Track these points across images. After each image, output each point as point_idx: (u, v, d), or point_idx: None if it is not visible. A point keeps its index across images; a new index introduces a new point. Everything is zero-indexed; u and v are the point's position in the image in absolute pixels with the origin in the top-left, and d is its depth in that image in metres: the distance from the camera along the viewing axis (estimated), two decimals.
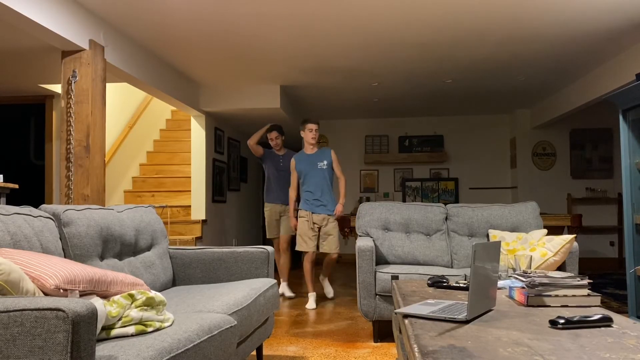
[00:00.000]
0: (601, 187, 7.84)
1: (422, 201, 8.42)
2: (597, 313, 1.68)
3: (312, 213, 4.83)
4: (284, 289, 5.31)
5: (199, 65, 5.34)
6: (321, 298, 5.20)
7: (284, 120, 7.10)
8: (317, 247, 4.89)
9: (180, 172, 7.20)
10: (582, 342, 1.41)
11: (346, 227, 5.71)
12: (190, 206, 6.46)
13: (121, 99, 6.87)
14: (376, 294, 3.48)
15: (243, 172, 8.22)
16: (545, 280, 1.93)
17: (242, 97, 6.27)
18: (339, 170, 4.92)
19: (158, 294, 1.85)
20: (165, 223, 6.12)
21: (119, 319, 1.70)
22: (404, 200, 8.41)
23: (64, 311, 1.26)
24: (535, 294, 1.92)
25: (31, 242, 1.94)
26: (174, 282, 3.06)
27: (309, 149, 4.93)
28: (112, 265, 2.41)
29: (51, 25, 3.37)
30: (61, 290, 1.57)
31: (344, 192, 4.87)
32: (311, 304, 4.74)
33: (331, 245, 4.83)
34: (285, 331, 3.86)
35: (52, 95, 6.05)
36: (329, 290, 5.16)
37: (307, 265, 4.91)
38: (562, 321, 1.57)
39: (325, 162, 4.87)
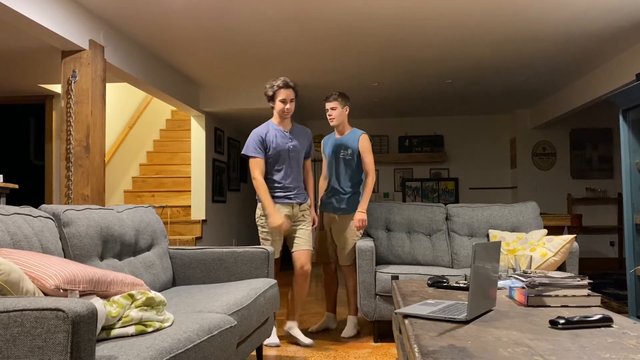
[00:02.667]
0: (601, 187, 7.83)
1: (422, 201, 8.41)
2: (597, 313, 1.68)
3: (325, 213, 3.81)
4: (294, 331, 3.51)
5: (199, 65, 5.34)
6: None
7: None
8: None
9: (180, 172, 7.20)
10: (582, 342, 1.41)
11: None
12: (190, 206, 6.46)
13: (121, 99, 6.87)
14: (376, 294, 3.48)
15: (243, 172, 8.22)
16: (545, 280, 1.93)
17: (242, 97, 6.27)
18: (367, 161, 3.66)
19: (158, 294, 1.85)
20: (165, 223, 6.12)
21: (119, 319, 1.70)
22: (404, 200, 8.41)
23: (64, 311, 1.26)
24: (535, 294, 1.92)
25: (31, 242, 1.94)
26: (174, 282, 3.05)
27: (337, 131, 3.79)
28: (112, 265, 2.41)
29: (51, 25, 3.37)
30: (61, 291, 1.57)
31: (368, 193, 3.60)
32: (321, 324, 3.82)
33: (341, 256, 3.70)
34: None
35: (52, 95, 6.05)
36: (349, 329, 3.71)
37: (325, 278, 3.91)
38: (562, 321, 1.57)
39: (349, 151, 3.67)
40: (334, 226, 3.74)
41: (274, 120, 3.54)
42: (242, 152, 3.45)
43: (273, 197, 3.41)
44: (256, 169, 3.41)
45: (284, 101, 3.42)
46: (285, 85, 3.40)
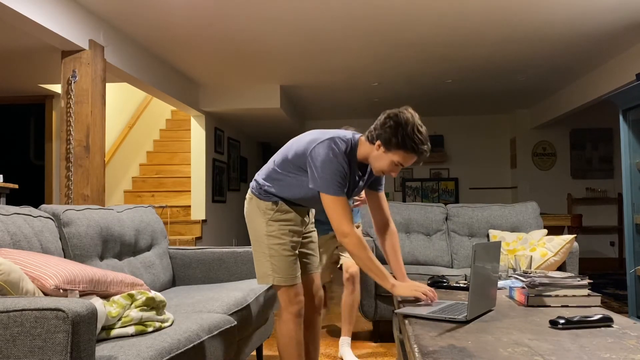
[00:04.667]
0: (601, 187, 7.83)
1: (422, 201, 8.41)
2: (597, 313, 1.68)
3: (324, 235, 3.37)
4: None
5: (199, 65, 5.33)
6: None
7: (284, 121, 7.09)
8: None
9: (180, 172, 7.20)
10: (582, 342, 1.41)
11: None
12: (190, 206, 6.46)
13: (121, 99, 6.87)
14: (376, 294, 3.48)
15: (243, 172, 8.22)
16: (545, 280, 1.93)
17: (242, 97, 6.27)
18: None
19: (158, 294, 1.85)
20: (165, 223, 6.12)
21: (119, 319, 1.70)
22: (404, 201, 8.41)
23: (64, 311, 1.26)
24: (536, 294, 1.92)
25: (31, 242, 1.94)
26: (174, 282, 3.05)
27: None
28: (112, 265, 2.41)
29: (51, 25, 3.37)
30: (61, 291, 1.57)
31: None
32: None
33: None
34: None
35: (52, 95, 6.05)
36: (347, 354, 3.17)
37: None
38: (562, 321, 1.57)
39: None
40: (330, 244, 3.36)
41: (360, 155, 2.15)
42: (318, 186, 2.07)
43: (288, 201, 2.21)
44: (347, 216, 2.08)
45: (398, 165, 2.08)
46: (419, 152, 2.03)
